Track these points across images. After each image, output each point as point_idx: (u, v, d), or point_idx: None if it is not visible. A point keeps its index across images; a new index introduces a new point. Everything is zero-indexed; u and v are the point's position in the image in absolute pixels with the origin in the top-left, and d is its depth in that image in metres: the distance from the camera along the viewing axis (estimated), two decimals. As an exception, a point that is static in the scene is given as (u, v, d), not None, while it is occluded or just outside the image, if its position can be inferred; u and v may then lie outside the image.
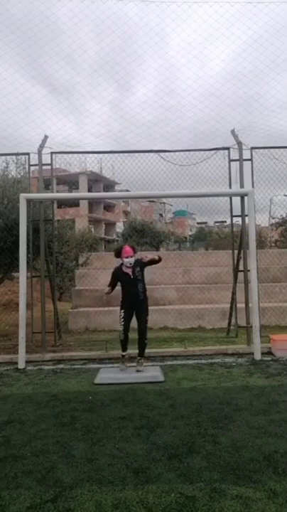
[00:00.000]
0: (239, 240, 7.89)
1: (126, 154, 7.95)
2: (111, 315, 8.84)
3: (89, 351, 7.11)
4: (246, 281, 7.34)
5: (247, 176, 7.50)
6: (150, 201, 47.59)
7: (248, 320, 7.09)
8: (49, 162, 7.61)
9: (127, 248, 5.68)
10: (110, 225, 48.01)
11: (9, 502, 2.57)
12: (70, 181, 41.07)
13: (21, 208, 6.78)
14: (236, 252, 7.78)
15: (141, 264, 5.70)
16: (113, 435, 3.55)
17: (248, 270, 7.11)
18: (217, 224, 44.20)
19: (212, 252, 14.09)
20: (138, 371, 5.56)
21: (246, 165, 7.54)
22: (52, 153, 7.61)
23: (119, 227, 43.84)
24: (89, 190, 39.96)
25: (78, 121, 18.11)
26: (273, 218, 20.27)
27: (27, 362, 6.52)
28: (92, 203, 43.24)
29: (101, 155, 8.19)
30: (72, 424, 3.86)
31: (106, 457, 3.14)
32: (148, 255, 5.90)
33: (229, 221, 8.92)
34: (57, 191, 26.01)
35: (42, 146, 7.55)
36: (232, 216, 7.95)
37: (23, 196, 6.88)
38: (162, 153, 7.80)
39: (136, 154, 7.92)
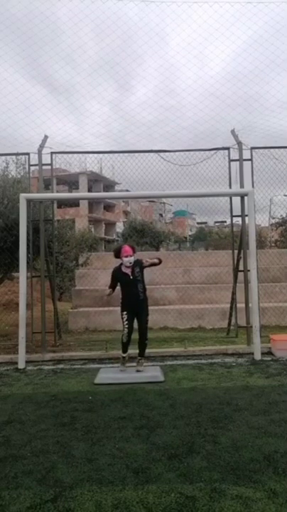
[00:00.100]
0: (239, 240, 7.89)
1: (126, 154, 7.95)
2: (111, 315, 8.84)
3: (89, 351, 7.11)
4: (246, 281, 7.34)
5: (247, 176, 7.50)
6: (150, 201, 47.59)
7: (248, 320, 7.09)
8: (49, 162, 7.61)
9: (126, 247, 5.67)
10: (110, 225, 47.99)
11: (9, 502, 2.57)
12: (70, 181, 41.07)
13: (21, 208, 6.79)
14: (236, 252, 7.78)
15: (140, 265, 5.68)
16: (113, 435, 3.55)
17: (248, 270, 7.11)
18: (217, 224, 44.19)
19: (212, 252, 14.08)
20: (138, 371, 5.56)
21: (246, 165, 7.54)
22: (52, 153, 7.61)
23: (119, 227, 43.84)
24: (89, 190, 39.96)
25: (78, 121, 18.14)
26: (273, 218, 20.29)
27: (27, 362, 6.52)
28: (92, 203, 43.23)
29: (101, 155, 8.20)
30: (72, 424, 3.86)
31: (106, 457, 3.14)
32: (149, 260, 5.79)
33: (229, 221, 8.92)
34: (57, 191, 26.01)
35: (42, 146, 7.55)
36: (232, 216, 7.95)
37: (23, 196, 6.88)
38: (162, 153, 7.80)
39: (136, 154, 7.92)
